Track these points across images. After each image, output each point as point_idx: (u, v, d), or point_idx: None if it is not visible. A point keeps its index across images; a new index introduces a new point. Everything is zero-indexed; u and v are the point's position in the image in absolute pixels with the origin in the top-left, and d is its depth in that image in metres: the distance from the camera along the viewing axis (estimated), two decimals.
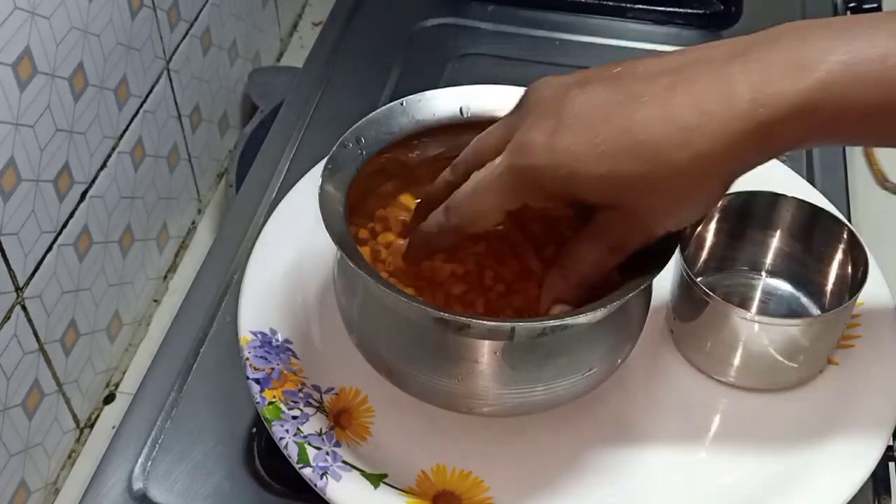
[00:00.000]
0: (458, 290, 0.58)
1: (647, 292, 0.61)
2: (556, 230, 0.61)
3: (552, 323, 0.54)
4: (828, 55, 0.46)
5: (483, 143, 0.55)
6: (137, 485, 0.63)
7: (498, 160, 0.52)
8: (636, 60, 0.51)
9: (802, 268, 0.68)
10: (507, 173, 0.51)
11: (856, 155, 0.94)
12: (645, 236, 0.52)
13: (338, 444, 0.60)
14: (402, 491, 0.59)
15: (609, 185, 0.50)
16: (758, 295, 0.69)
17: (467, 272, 0.59)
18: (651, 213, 0.51)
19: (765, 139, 0.47)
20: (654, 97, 0.48)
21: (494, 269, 0.59)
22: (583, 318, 0.54)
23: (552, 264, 0.56)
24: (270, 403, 0.61)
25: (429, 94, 0.62)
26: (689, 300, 0.64)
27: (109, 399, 0.84)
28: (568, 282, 0.54)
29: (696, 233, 0.68)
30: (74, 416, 0.79)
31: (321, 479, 0.58)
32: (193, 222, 0.97)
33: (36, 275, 0.71)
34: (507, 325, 0.55)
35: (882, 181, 0.52)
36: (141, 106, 0.83)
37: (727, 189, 0.51)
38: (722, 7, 0.98)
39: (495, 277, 0.59)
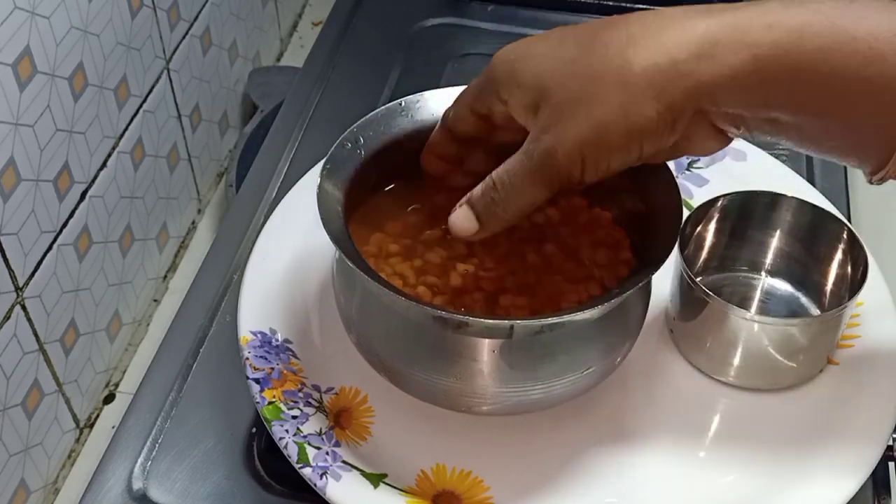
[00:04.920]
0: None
1: (646, 290, 0.61)
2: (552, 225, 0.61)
3: (551, 320, 0.54)
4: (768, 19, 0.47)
5: (462, 114, 0.55)
6: (137, 485, 0.63)
7: (524, 156, 0.51)
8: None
9: (802, 268, 0.68)
10: (541, 170, 0.51)
11: None
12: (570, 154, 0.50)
13: (337, 444, 0.60)
14: (402, 491, 0.59)
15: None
16: (758, 295, 0.69)
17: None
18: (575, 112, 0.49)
19: (688, 77, 0.47)
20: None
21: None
22: (581, 316, 0.54)
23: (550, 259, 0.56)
24: (270, 403, 0.61)
25: (427, 94, 0.62)
26: (689, 300, 0.64)
27: (109, 399, 0.84)
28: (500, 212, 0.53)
29: (696, 233, 0.68)
30: (74, 416, 0.79)
31: (321, 478, 0.58)
32: (193, 222, 0.97)
33: (36, 275, 0.71)
34: (506, 322, 0.55)
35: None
36: (141, 106, 0.83)
37: (656, 128, 0.49)
38: None
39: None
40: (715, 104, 0.48)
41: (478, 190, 0.53)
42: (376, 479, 0.59)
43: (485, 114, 0.55)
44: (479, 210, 0.53)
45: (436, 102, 0.62)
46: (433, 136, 0.59)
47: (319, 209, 0.55)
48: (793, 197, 0.67)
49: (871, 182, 0.50)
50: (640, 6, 0.97)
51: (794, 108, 0.48)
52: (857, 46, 0.46)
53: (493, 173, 0.52)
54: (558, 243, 0.60)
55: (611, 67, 0.48)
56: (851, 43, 0.46)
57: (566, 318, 0.54)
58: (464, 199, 0.54)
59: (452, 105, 0.57)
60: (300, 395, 0.62)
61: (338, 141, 0.59)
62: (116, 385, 0.85)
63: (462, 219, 0.53)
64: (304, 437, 0.60)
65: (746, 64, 0.47)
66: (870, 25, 0.46)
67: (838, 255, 0.66)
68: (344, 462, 0.59)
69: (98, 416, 0.82)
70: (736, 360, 0.64)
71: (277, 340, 0.65)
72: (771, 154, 0.77)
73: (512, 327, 0.54)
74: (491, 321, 0.54)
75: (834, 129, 0.49)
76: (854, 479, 0.59)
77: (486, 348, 0.55)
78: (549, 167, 0.50)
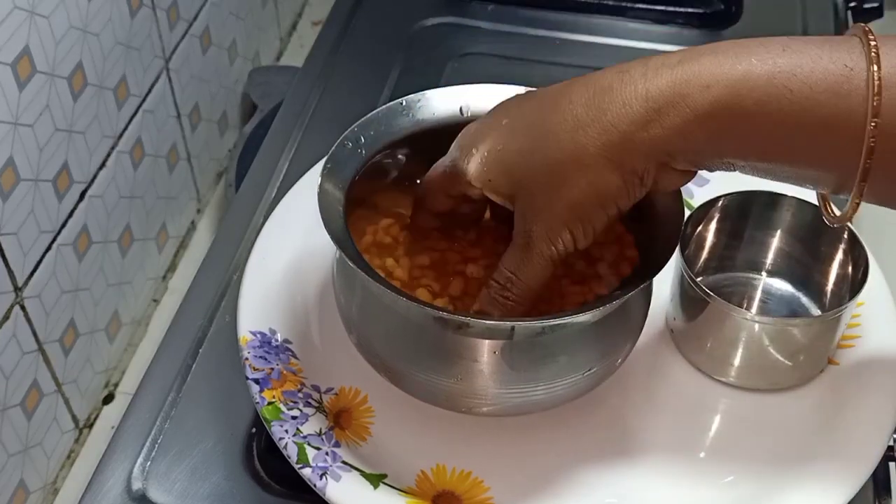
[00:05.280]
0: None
1: (647, 292, 0.61)
2: None
3: (551, 322, 0.54)
4: (718, 71, 0.49)
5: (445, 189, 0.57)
6: (136, 485, 0.63)
7: (520, 251, 0.54)
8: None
9: (802, 268, 0.68)
10: (541, 257, 0.54)
11: None
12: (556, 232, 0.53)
13: (337, 445, 0.60)
14: (402, 491, 0.59)
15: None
16: (758, 295, 0.69)
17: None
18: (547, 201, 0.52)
19: (647, 129, 0.49)
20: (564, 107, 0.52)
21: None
22: (582, 318, 0.54)
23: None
24: (270, 403, 0.61)
25: (429, 93, 0.62)
26: (689, 300, 0.64)
27: (108, 399, 0.84)
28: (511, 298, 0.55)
29: (697, 233, 0.68)
30: (73, 417, 0.79)
31: (321, 479, 0.58)
32: (193, 222, 0.97)
33: (35, 275, 0.71)
34: (507, 324, 0.55)
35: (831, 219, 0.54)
36: (140, 105, 0.82)
37: (628, 191, 0.51)
38: (722, 6, 0.98)
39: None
40: (672, 158, 0.51)
41: (491, 294, 0.55)
42: (376, 480, 0.59)
43: (459, 195, 0.57)
44: (500, 311, 0.55)
45: (437, 101, 0.62)
46: (414, 215, 0.61)
47: (320, 209, 0.55)
48: (793, 197, 0.67)
49: (832, 225, 0.54)
50: (640, 5, 0.97)
51: (743, 155, 0.50)
52: (793, 98, 0.47)
53: (499, 275, 0.55)
54: None
55: (567, 154, 0.51)
56: (787, 95, 0.47)
57: (567, 319, 0.54)
58: (482, 302, 0.56)
59: (426, 189, 0.59)
60: (300, 395, 0.62)
61: (339, 140, 0.59)
62: (116, 385, 0.84)
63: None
64: (304, 437, 0.60)
65: (690, 124, 0.49)
66: (804, 75, 0.47)
67: (839, 255, 0.66)
68: (344, 462, 0.59)
69: (97, 416, 0.82)
70: (736, 361, 0.64)
71: (277, 341, 0.65)
72: None
73: (513, 328, 0.54)
74: (491, 322, 0.54)
75: (784, 170, 0.50)
76: (854, 479, 0.59)
77: (486, 349, 0.55)
78: (546, 254, 0.53)
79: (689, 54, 0.50)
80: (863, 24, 0.48)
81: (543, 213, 0.52)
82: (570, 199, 0.51)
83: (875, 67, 0.46)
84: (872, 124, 0.46)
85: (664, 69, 0.49)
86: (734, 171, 0.51)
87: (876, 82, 0.46)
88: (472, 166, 0.54)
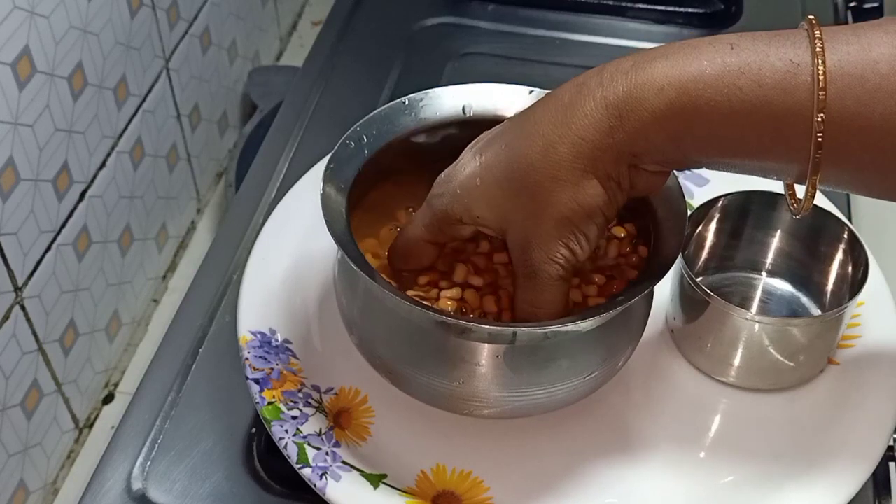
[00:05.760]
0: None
1: (649, 295, 0.60)
2: None
3: (554, 328, 0.54)
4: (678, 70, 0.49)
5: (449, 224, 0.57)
6: (136, 485, 0.63)
7: (528, 281, 0.54)
8: None
9: (802, 268, 0.68)
10: (550, 281, 0.54)
11: None
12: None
13: (337, 445, 0.60)
14: (402, 491, 0.59)
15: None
16: (758, 295, 0.69)
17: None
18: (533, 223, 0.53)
19: (614, 134, 0.50)
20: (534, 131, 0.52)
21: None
22: (584, 324, 0.54)
23: None
24: (270, 403, 0.61)
25: (431, 92, 0.62)
26: (689, 300, 0.64)
27: (108, 399, 0.84)
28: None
29: (697, 233, 0.68)
30: (73, 416, 0.79)
31: (321, 479, 0.58)
32: (193, 222, 0.97)
33: (35, 274, 0.71)
34: (509, 329, 0.55)
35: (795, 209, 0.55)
36: (140, 105, 0.82)
37: (607, 198, 0.52)
38: (722, 6, 0.98)
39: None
40: (640, 160, 0.51)
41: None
42: (376, 480, 0.59)
43: (446, 238, 0.58)
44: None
45: (440, 100, 0.62)
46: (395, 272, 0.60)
47: (323, 210, 0.55)
48: None
49: (795, 216, 0.55)
50: (641, 5, 0.97)
51: (705, 153, 0.51)
52: (743, 96, 0.48)
53: (521, 313, 0.55)
54: None
55: (544, 175, 0.51)
56: (737, 93, 0.48)
57: (569, 325, 0.54)
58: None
59: (398, 254, 0.59)
60: (300, 395, 0.62)
61: (341, 140, 0.59)
62: (116, 385, 0.84)
63: None
64: (304, 437, 0.60)
65: (649, 126, 0.50)
66: (752, 73, 0.48)
67: (839, 255, 0.66)
68: (344, 462, 0.59)
69: (97, 416, 0.82)
70: (736, 361, 0.64)
71: (277, 340, 0.65)
72: None
73: (515, 333, 0.54)
74: (494, 327, 0.54)
75: (746, 165, 0.51)
76: (854, 479, 0.59)
77: (488, 354, 0.55)
78: (554, 274, 0.54)
79: (642, 59, 0.50)
80: (811, 17, 0.48)
81: (536, 238, 0.53)
82: (557, 217, 0.52)
83: (819, 62, 0.47)
84: (819, 118, 0.47)
85: (619, 75, 0.50)
86: (703, 168, 0.52)
87: (820, 77, 0.46)
88: (458, 206, 0.55)
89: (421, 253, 0.59)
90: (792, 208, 0.54)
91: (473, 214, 0.54)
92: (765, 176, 0.52)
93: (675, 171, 0.57)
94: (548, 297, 0.54)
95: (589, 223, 0.52)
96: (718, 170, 0.52)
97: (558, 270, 0.53)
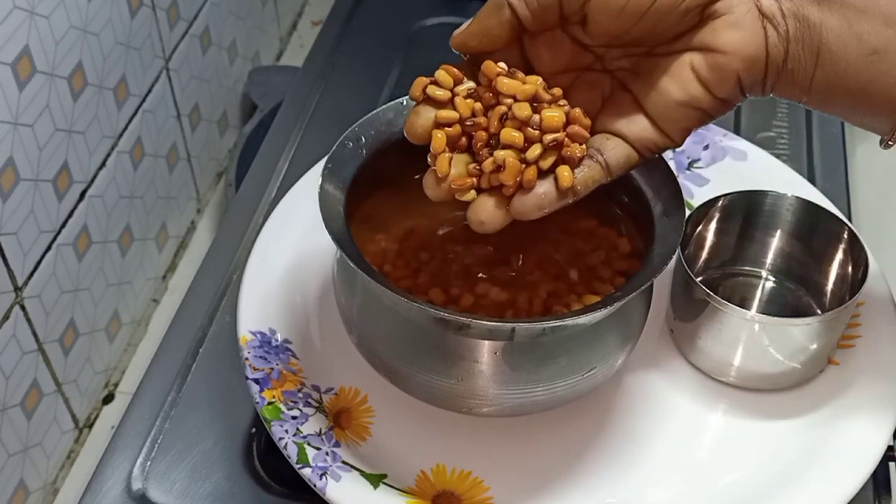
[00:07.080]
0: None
1: (647, 293, 0.61)
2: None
3: (552, 323, 0.54)
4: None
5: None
6: (136, 485, 0.63)
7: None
8: None
9: (803, 267, 0.68)
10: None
11: (857, 154, 0.94)
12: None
13: (337, 445, 0.60)
14: (402, 491, 0.59)
15: None
16: (758, 295, 0.69)
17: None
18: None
19: None
20: None
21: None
22: (583, 319, 0.54)
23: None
24: (270, 403, 0.61)
25: None
26: (689, 300, 0.64)
27: (108, 399, 0.84)
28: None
29: (697, 233, 0.68)
30: (73, 416, 0.79)
31: (321, 479, 0.58)
32: (193, 222, 0.97)
33: (35, 274, 0.71)
34: (508, 325, 0.55)
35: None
36: (140, 105, 0.82)
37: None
38: None
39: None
40: None
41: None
42: (376, 480, 0.59)
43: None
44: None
45: None
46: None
47: (321, 209, 0.55)
48: (793, 196, 0.67)
49: (883, 146, 0.53)
50: None
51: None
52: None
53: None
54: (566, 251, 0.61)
55: None
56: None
57: (568, 321, 0.54)
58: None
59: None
60: (300, 395, 0.62)
61: (339, 140, 0.59)
62: (116, 385, 0.84)
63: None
64: (304, 437, 0.60)
65: None
66: None
67: (839, 255, 0.66)
68: (344, 462, 0.59)
69: (97, 416, 0.82)
70: (736, 361, 0.64)
71: (277, 340, 0.65)
72: (771, 154, 0.77)
73: (513, 330, 0.54)
74: (492, 323, 0.54)
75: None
76: (854, 479, 0.59)
77: (487, 350, 0.55)
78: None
79: None
80: None
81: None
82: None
83: None
84: None
85: None
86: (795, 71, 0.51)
87: None
88: None
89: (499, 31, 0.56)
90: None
91: None
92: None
93: (675, 172, 0.57)
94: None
95: None
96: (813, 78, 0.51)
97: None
